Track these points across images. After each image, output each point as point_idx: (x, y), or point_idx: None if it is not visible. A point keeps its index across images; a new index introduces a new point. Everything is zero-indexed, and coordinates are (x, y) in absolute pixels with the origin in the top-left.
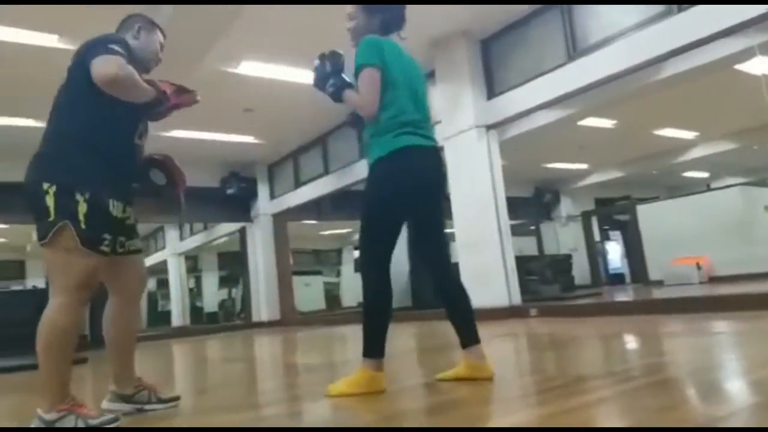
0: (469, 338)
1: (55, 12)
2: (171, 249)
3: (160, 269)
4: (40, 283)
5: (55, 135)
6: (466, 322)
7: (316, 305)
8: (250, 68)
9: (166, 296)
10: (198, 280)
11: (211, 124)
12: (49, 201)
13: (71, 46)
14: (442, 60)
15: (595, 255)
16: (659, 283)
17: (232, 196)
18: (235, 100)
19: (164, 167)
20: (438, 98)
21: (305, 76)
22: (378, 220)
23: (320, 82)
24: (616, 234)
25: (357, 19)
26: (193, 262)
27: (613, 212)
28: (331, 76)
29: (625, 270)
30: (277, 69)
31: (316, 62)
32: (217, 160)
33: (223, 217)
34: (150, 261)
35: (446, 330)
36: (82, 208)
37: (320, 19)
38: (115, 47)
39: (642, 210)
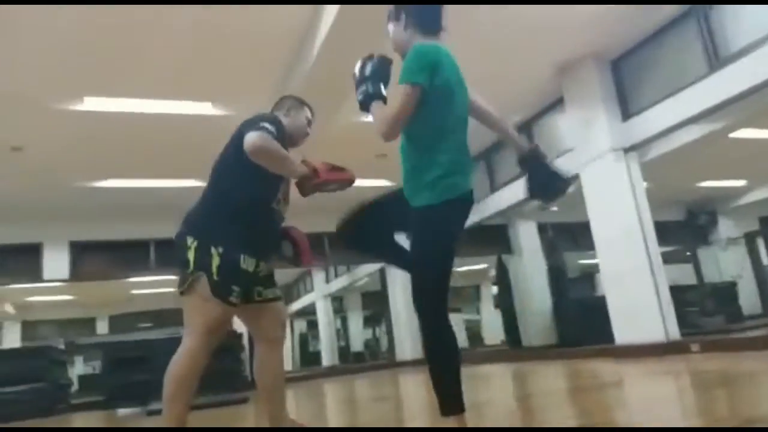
0: None
1: (208, 82)
2: (319, 291)
3: (310, 311)
4: None
5: (206, 196)
6: None
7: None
8: None
9: (316, 337)
10: (344, 321)
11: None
12: (191, 254)
13: (223, 112)
14: (571, 85)
15: (766, 281)
16: None
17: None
18: (368, 147)
19: (293, 240)
20: (569, 124)
21: None
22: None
23: (356, 86)
24: None
25: (392, 32)
26: (338, 303)
27: None
28: (366, 81)
29: None
30: None
31: (358, 64)
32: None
33: (363, 259)
34: (300, 304)
35: (594, 368)
36: (216, 261)
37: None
38: (266, 125)
39: None
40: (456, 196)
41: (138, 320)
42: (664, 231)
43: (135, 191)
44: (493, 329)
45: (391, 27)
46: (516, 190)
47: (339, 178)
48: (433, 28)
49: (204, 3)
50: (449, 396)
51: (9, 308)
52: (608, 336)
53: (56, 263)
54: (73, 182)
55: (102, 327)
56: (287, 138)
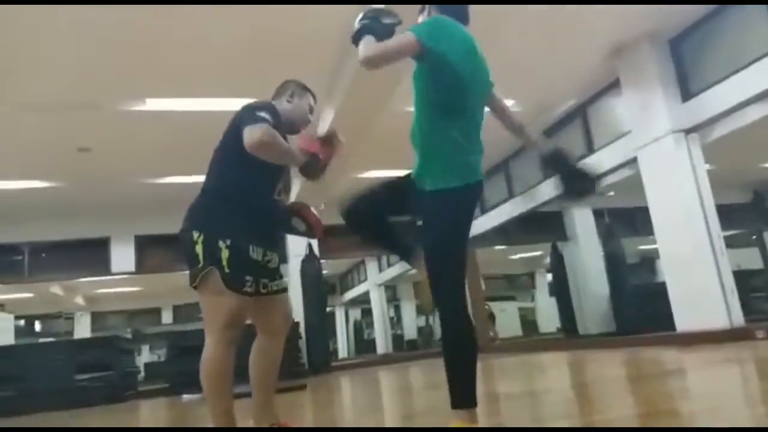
0: None
1: (263, 79)
2: (372, 280)
3: (364, 300)
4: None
5: (207, 189)
6: None
7: (512, 332)
8: None
9: (370, 325)
10: (397, 309)
11: (397, 161)
12: (198, 249)
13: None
14: (627, 66)
15: None
16: None
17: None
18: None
19: (303, 215)
20: (625, 107)
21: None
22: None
23: (357, 20)
24: None
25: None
26: (392, 291)
27: None
28: (367, 17)
29: None
30: None
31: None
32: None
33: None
34: (354, 293)
35: (655, 356)
36: (225, 254)
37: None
38: (262, 114)
39: None
40: (467, 182)
41: (200, 310)
42: (728, 214)
43: (195, 186)
44: (548, 317)
45: (419, 21)
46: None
47: (335, 153)
48: (455, 14)
49: (258, 3)
50: (461, 387)
51: (80, 300)
52: (669, 323)
53: (123, 257)
54: (137, 179)
55: (167, 317)
56: (287, 125)
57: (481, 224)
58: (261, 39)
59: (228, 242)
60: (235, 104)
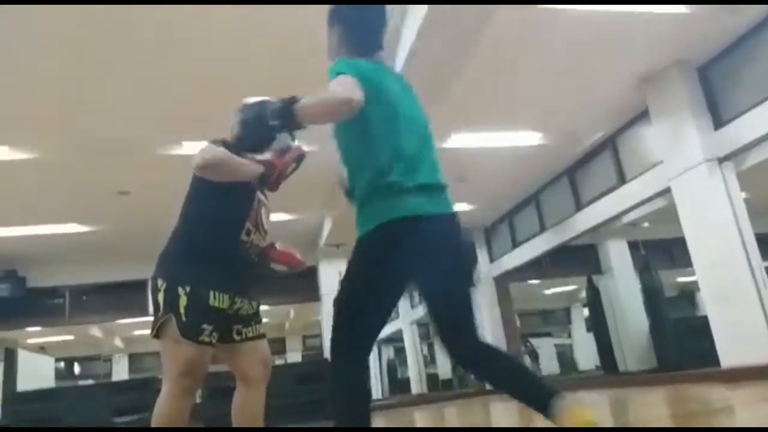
0: (543, 395)
1: None
2: (404, 318)
3: (397, 338)
4: (298, 358)
5: (174, 235)
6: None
7: (548, 369)
8: (460, 140)
9: (404, 364)
10: (431, 347)
11: None
12: (160, 297)
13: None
14: (656, 95)
15: None
16: None
17: None
18: (448, 171)
19: (272, 258)
20: (656, 137)
21: (513, 139)
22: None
23: (254, 124)
24: None
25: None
26: (425, 329)
27: None
28: (261, 107)
29: None
30: (485, 136)
31: (239, 115)
32: None
33: None
34: (387, 330)
35: (700, 393)
36: (183, 301)
37: (520, 83)
38: (208, 143)
39: None
40: (401, 216)
41: None
42: None
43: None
44: (586, 353)
45: (327, 35)
46: (603, 208)
47: (292, 160)
48: (368, 45)
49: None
50: None
51: (118, 342)
52: (713, 358)
53: None
54: (173, 221)
55: None
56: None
57: (512, 259)
58: (296, 78)
59: (187, 289)
60: None
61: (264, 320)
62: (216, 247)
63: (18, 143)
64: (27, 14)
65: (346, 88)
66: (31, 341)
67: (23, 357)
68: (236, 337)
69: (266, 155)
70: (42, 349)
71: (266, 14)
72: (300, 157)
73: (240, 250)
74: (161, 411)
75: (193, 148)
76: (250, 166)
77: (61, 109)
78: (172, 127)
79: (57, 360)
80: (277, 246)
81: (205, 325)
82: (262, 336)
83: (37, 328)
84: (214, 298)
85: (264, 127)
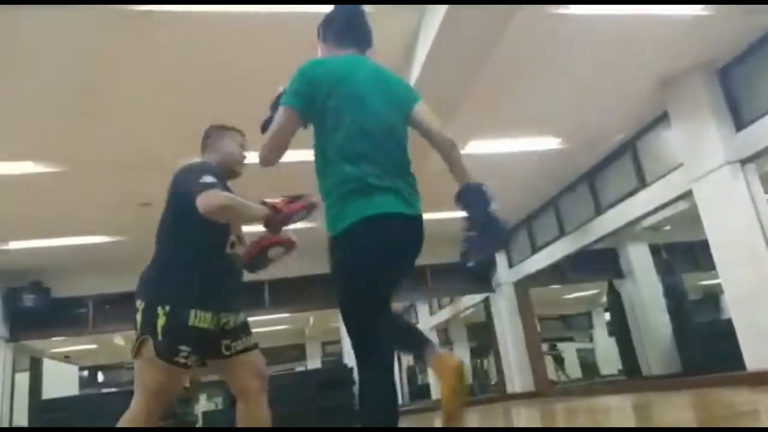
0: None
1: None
2: (423, 323)
3: None
4: (318, 364)
5: (155, 259)
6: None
7: (570, 374)
8: (477, 147)
9: (424, 370)
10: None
11: (445, 203)
12: (139, 317)
13: None
14: (676, 98)
15: None
16: None
17: (473, 268)
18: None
19: (275, 241)
20: (676, 140)
21: (532, 144)
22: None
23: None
24: None
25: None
26: (444, 334)
27: None
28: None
29: None
30: (503, 142)
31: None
32: (456, 235)
33: (466, 289)
34: None
35: (725, 397)
36: (161, 321)
37: (537, 88)
38: (207, 179)
39: None
40: (374, 213)
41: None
42: None
43: (249, 236)
44: (608, 358)
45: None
46: (623, 212)
47: (300, 207)
48: (342, 39)
49: None
50: None
51: None
52: (739, 362)
53: None
54: None
55: None
56: (225, 172)
57: (532, 264)
58: None
59: (167, 308)
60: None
61: (284, 327)
62: (203, 264)
63: (41, 157)
64: (45, 23)
65: (268, 141)
66: (55, 350)
67: (48, 366)
68: (225, 352)
69: (275, 199)
70: (66, 358)
71: (290, 26)
72: (311, 206)
73: (227, 264)
74: (128, 427)
75: None
76: (255, 209)
77: (83, 123)
78: (193, 140)
79: (81, 368)
80: (269, 200)
81: (182, 347)
82: (253, 347)
83: (62, 338)
84: (195, 317)
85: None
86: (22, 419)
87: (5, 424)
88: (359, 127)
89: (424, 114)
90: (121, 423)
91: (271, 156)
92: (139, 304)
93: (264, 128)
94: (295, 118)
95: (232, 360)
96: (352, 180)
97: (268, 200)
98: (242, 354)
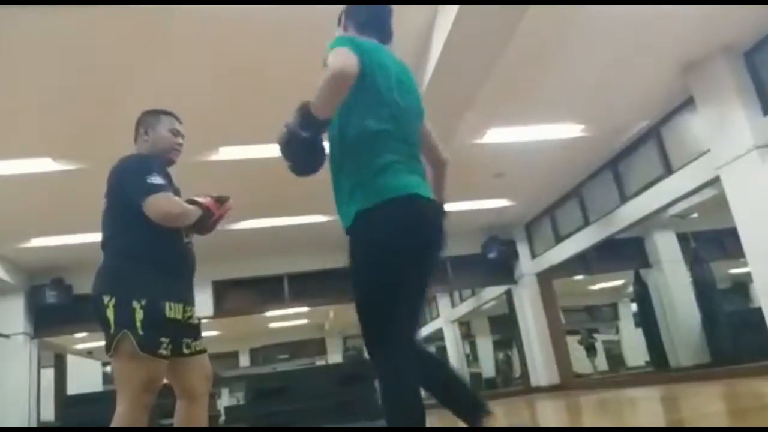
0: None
1: None
2: (444, 316)
3: (437, 337)
4: (338, 359)
5: (109, 250)
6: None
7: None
8: (496, 136)
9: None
10: (473, 346)
11: (465, 193)
12: (110, 313)
13: None
14: (701, 83)
15: None
16: None
17: (495, 260)
18: (485, 168)
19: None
20: (702, 125)
21: (553, 132)
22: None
23: (295, 151)
24: None
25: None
26: (466, 327)
27: None
28: (287, 132)
29: None
30: (524, 130)
31: (282, 155)
32: (476, 226)
33: (489, 281)
34: (427, 330)
35: (755, 388)
36: (139, 315)
37: (558, 74)
38: (154, 180)
39: None
40: (399, 194)
41: (276, 352)
42: None
43: (268, 230)
44: (635, 350)
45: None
46: (648, 200)
47: (226, 210)
48: (365, 29)
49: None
50: None
51: None
52: None
53: (202, 301)
54: None
55: (244, 360)
56: (162, 161)
57: (555, 254)
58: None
59: (143, 302)
60: None
61: (304, 321)
62: (164, 257)
63: (60, 155)
64: (66, 22)
65: (337, 59)
66: (78, 346)
67: (72, 362)
68: (185, 351)
69: (203, 198)
70: (89, 353)
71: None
72: (228, 209)
73: (186, 251)
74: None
75: (228, 153)
76: (195, 212)
77: (102, 120)
78: (209, 134)
79: (104, 364)
80: (199, 200)
81: (163, 338)
82: (205, 350)
83: (84, 334)
84: (170, 309)
85: (303, 145)
86: (48, 415)
87: (33, 420)
88: (391, 113)
89: (429, 127)
90: (118, 423)
91: (353, 65)
92: (107, 299)
93: (281, 143)
94: (358, 65)
95: (189, 359)
96: (384, 161)
97: (198, 199)
98: (198, 355)
